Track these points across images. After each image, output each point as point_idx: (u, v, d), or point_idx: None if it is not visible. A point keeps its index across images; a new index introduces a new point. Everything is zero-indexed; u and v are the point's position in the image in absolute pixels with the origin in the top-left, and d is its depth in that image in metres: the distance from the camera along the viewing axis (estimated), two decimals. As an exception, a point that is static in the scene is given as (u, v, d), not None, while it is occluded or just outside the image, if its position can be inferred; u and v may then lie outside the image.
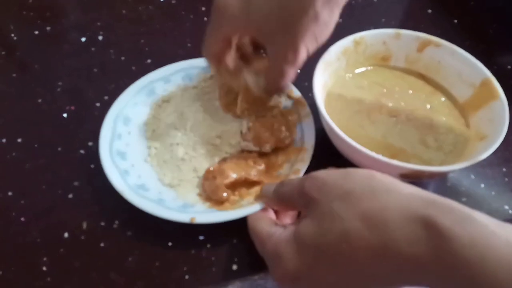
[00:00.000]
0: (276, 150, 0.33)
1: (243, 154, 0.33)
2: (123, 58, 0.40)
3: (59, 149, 0.34)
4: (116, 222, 0.30)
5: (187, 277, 0.28)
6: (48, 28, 0.42)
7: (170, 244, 0.29)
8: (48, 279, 0.28)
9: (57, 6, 0.45)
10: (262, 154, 0.33)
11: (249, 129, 0.32)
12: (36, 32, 0.42)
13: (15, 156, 0.33)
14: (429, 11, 0.46)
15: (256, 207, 0.28)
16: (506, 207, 0.32)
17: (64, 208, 0.31)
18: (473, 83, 0.32)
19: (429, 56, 0.34)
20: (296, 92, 0.35)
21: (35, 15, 0.43)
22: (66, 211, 0.30)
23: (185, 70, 0.36)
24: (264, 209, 0.28)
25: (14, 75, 0.39)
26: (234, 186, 0.30)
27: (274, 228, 0.24)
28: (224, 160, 0.32)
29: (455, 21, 0.45)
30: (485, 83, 0.31)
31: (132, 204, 0.28)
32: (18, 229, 0.30)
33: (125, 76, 0.38)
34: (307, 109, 0.34)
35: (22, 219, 0.30)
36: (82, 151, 0.33)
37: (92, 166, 0.32)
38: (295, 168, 0.31)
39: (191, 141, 0.33)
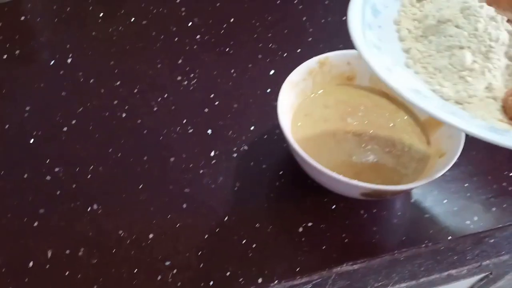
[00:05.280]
0: None
1: None
2: (92, 80, 0.40)
3: (26, 175, 0.33)
4: (82, 249, 0.30)
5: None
6: (17, 51, 0.42)
7: (135, 271, 0.29)
8: (13, 309, 0.27)
9: (27, 28, 0.45)
10: None
11: None
12: (5, 56, 0.42)
13: (-19, 183, 0.33)
14: (396, 28, 0.47)
15: None
16: (468, 222, 0.33)
17: (29, 236, 0.30)
18: (433, 101, 0.33)
19: (392, 75, 0.35)
20: None
21: (4, 39, 0.43)
22: (31, 239, 0.30)
23: None
24: None
25: (-19, 99, 0.39)
26: None
27: None
28: None
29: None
30: (444, 102, 0.32)
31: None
32: (-17, 258, 0.29)
33: (93, 99, 0.38)
34: None
35: (-13, 247, 0.30)
36: (48, 177, 0.33)
37: (58, 192, 0.32)
38: None
39: (484, 47, 0.24)
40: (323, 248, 0.31)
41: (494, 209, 0.34)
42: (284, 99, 0.33)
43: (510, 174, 0.36)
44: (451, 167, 0.30)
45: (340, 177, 0.28)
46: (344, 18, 0.48)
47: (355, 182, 0.28)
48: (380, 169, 0.32)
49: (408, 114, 0.35)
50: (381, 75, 0.23)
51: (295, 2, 0.49)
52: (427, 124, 0.34)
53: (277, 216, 0.32)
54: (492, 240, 0.34)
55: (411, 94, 0.22)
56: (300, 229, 0.32)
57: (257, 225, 0.32)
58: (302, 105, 0.36)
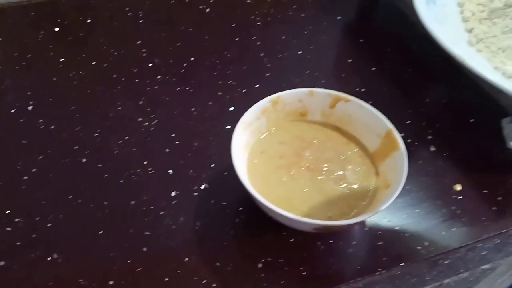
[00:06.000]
0: None
1: None
2: (52, 127, 0.40)
3: (-15, 228, 0.34)
4: (41, 301, 0.30)
5: None
6: (-22, 101, 0.43)
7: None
8: None
9: (-13, 77, 0.45)
10: None
11: None
12: (-35, 106, 0.42)
13: None
14: (350, 60, 0.49)
15: None
16: (419, 247, 0.34)
17: (-12, 291, 0.30)
18: (379, 134, 0.35)
19: (341, 110, 0.37)
20: None
21: (-36, 88, 0.44)
22: (-10, 294, 0.30)
23: None
24: None
25: None
26: None
27: None
28: None
29: (373, 68, 0.49)
30: (388, 135, 0.34)
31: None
32: None
33: (54, 146, 0.39)
34: None
35: None
36: (9, 228, 0.33)
37: (19, 243, 0.32)
38: None
39: None
40: (282, 282, 0.32)
41: (443, 233, 0.35)
42: (238, 139, 0.34)
43: (459, 198, 0.38)
44: (402, 193, 0.31)
45: (290, 215, 0.29)
46: (300, 52, 0.51)
47: (305, 219, 0.29)
48: (333, 202, 0.33)
49: (358, 146, 0.37)
50: (445, 44, 0.24)
51: (253, 38, 0.51)
52: (375, 156, 0.36)
53: (237, 254, 0.33)
54: (447, 262, 0.35)
55: (477, 65, 0.23)
56: (260, 265, 0.33)
57: (217, 263, 0.32)
58: (258, 142, 0.37)
